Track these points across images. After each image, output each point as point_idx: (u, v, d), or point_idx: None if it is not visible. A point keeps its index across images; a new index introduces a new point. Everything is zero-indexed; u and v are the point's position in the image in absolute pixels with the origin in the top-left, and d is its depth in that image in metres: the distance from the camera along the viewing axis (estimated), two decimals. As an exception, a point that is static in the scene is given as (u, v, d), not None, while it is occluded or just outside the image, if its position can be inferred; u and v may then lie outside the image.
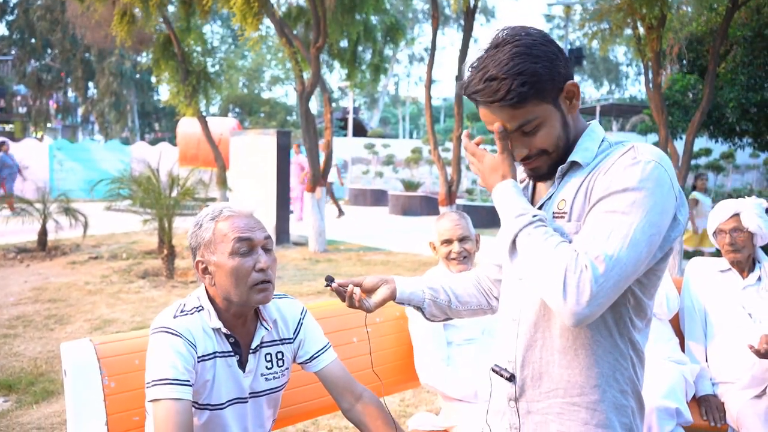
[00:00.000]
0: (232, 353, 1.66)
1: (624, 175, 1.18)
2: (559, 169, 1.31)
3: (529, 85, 1.20)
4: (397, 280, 1.56)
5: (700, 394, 2.65)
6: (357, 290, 1.53)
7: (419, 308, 1.57)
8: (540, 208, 1.33)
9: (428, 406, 3.68)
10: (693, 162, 18.10)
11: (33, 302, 6.08)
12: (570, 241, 1.21)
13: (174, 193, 7.42)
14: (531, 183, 1.43)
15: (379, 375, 2.18)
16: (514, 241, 1.22)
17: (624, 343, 1.29)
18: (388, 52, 13.31)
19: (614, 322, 1.27)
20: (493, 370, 1.39)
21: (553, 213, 1.29)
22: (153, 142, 27.33)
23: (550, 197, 1.32)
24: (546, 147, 1.28)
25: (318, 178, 9.78)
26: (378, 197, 19.87)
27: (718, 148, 17.74)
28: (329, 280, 1.53)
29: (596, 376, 1.28)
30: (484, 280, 1.61)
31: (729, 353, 2.61)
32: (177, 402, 1.49)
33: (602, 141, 1.31)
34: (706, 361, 2.72)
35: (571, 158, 1.29)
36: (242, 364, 1.67)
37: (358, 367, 2.14)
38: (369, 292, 1.55)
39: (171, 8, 11.80)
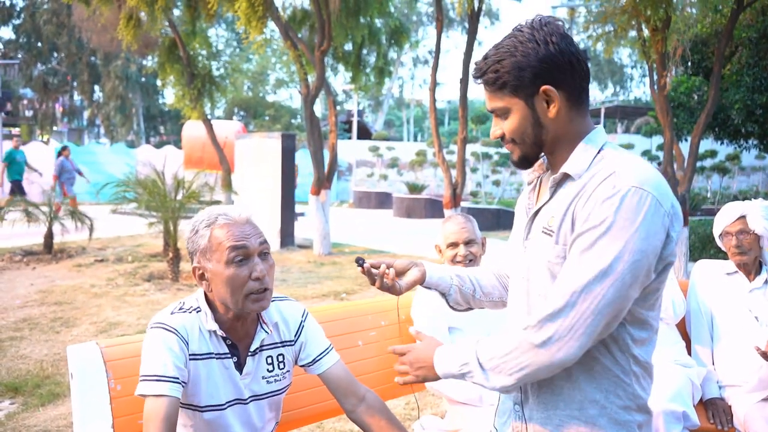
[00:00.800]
0: (229, 355, 1.66)
1: (601, 210, 1.18)
2: (552, 179, 1.32)
3: (498, 74, 1.27)
4: (426, 264, 1.57)
5: (707, 397, 2.63)
6: (391, 271, 1.53)
7: (444, 295, 1.58)
8: (536, 214, 1.35)
9: (433, 410, 3.67)
10: (698, 164, 18.04)
11: (39, 305, 6.10)
12: (551, 261, 1.28)
13: (179, 196, 7.45)
14: (537, 185, 1.43)
15: (384, 378, 2.17)
16: (483, 368, 1.30)
17: (625, 359, 1.27)
18: (392, 55, 13.32)
19: (612, 340, 1.26)
20: None
21: (543, 228, 1.31)
22: (158, 146, 27.42)
23: (543, 206, 1.34)
24: (512, 136, 1.32)
25: (323, 180, 9.79)
26: (382, 200, 19.89)
27: (724, 149, 17.67)
28: (360, 261, 1.53)
29: (594, 392, 1.27)
30: (503, 277, 1.63)
31: (736, 356, 2.60)
32: (164, 398, 1.50)
33: (599, 150, 1.28)
34: (713, 364, 2.71)
35: (562, 170, 1.29)
36: (239, 367, 1.67)
37: (363, 370, 2.14)
38: (399, 274, 1.56)
39: (176, 12, 11.82)
